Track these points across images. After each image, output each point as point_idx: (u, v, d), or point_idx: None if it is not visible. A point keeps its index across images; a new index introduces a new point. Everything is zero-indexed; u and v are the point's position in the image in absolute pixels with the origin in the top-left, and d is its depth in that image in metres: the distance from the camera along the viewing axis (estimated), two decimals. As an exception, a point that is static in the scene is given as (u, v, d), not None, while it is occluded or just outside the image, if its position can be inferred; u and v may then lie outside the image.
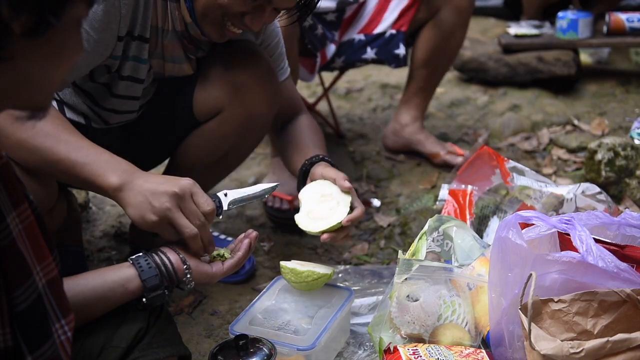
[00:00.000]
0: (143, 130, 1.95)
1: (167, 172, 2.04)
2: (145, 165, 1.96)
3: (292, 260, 1.76)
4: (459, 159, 2.56)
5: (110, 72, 1.74)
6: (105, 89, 1.78)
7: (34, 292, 1.00)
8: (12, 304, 0.97)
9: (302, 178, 1.88)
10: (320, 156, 1.88)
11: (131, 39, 1.69)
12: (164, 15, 1.71)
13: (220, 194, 1.54)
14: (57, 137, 1.46)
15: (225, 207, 1.54)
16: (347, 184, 1.74)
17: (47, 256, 1.04)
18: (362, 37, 2.66)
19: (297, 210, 2.43)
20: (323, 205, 1.74)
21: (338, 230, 1.74)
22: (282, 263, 1.74)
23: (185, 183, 1.44)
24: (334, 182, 1.77)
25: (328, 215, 1.72)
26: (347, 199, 1.73)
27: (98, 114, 1.84)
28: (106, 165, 1.45)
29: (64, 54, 0.93)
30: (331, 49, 2.64)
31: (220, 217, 1.54)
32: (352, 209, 1.75)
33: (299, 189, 1.88)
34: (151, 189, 1.41)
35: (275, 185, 1.67)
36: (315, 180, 1.82)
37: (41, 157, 1.47)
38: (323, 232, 1.72)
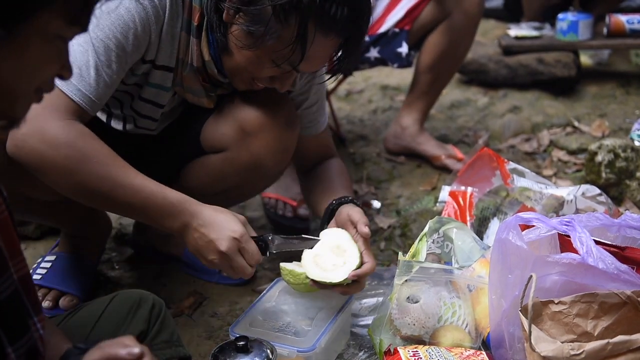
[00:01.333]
0: (154, 143, 1.95)
1: None
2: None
3: (293, 262, 1.75)
4: (459, 165, 2.56)
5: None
6: (129, 99, 1.79)
7: (12, 284, 1.00)
8: None
9: (328, 217, 1.84)
10: (350, 198, 1.85)
11: (154, 67, 1.70)
12: (185, 48, 1.70)
13: (266, 236, 1.66)
14: (113, 181, 1.54)
15: (273, 250, 1.67)
16: (365, 229, 1.71)
17: (19, 253, 1.04)
18: (366, 37, 2.66)
19: (300, 217, 2.44)
20: (332, 257, 1.70)
21: (339, 286, 1.68)
22: (282, 265, 1.73)
23: (232, 240, 1.55)
24: (355, 227, 1.74)
25: (329, 270, 1.68)
26: (355, 263, 1.67)
27: (123, 117, 1.86)
28: (163, 210, 1.57)
29: (30, 66, 0.92)
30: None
31: (267, 255, 1.67)
32: (362, 263, 1.70)
33: (322, 227, 1.86)
34: (205, 239, 1.56)
35: (318, 240, 1.71)
36: (341, 219, 1.78)
37: (99, 202, 1.64)
38: (312, 280, 1.67)
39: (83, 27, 0.95)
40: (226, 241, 1.54)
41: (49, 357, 1.15)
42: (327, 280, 1.65)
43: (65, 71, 0.98)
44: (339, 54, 1.67)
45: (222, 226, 1.56)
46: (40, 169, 1.53)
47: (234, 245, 1.55)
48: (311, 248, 1.70)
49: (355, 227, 1.74)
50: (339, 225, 1.78)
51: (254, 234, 1.61)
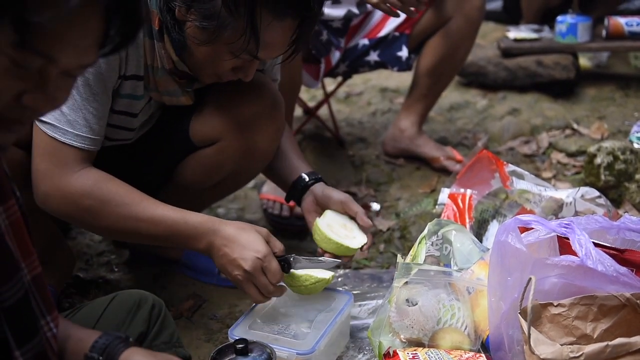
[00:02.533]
0: (140, 149, 1.94)
1: (164, 190, 2.02)
2: (144, 186, 1.96)
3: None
4: (458, 166, 2.57)
5: None
6: None
7: (22, 287, 1.00)
8: (0, 299, 0.97)
9: (300, 192, 1.94)
10: (319, 176, 1.95)
11: (124, 79, 1.70)
12: (152, 54, 1.70)
13: (290, 257, 1.69)
14: (135, 218, 1.64)
15: (296, 270, 1.70)
16: (368, 221, 1.85)
17: (31, 253, 1.04)
18: (366, 41, 2.66)
19: (297, 216, 2.44)
20: (342, 230, 1.85)
21: (345, 256, 1.85)
22: None
23: (256, 260, 1.60)
24: (355, 217, 1.87)
25: (344, 238, 1.82)
26: (364, 238, 1.85)
27: None
28: (187, 234, 1.65)
29: None
30: (336, 55, 2.64)
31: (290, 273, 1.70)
32: None
33: (289, 199, 1.97)
34: (229, 258, 1.62)
35: (339, 261, 1.80)
36: (332, 203, 1.88)
37: (128, 238, 1.85)
38: (336, 243, 1.80)
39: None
40: (250, 260, 1.60)
41: (72, 349, 1.16)
42: (346, 244, 1.80)
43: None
44: (297, 35, 1.65)
45: (245, 245, 1.62)
46: (69, 220, 1.71)
47: (258, 264, 1.61)
48: (330, 269, 1.77)
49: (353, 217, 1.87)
50: (326, 205, 1.89)
51: (280, 247, 1.66)
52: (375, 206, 2.57)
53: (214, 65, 1.67)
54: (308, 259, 1.72)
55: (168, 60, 1.71)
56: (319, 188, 1.91)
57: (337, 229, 1.83)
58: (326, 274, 1.73)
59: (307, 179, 1.93)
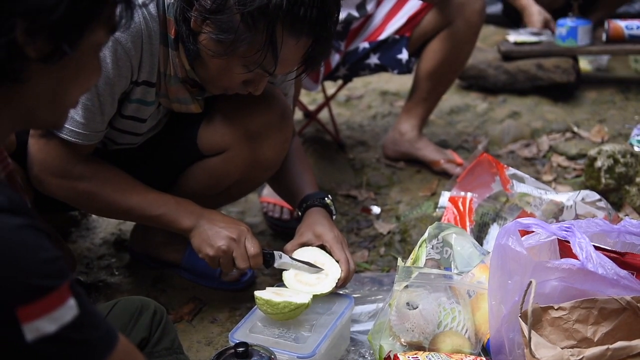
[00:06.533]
0: (145, 155, 1.95)
1: None
2: None
3: (267, 289, 1.72)
4: (458, 170, 2.57)
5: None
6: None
7: None
8: None
9: (301, 216, 1.96)
10: (317, 200, 1.95)
11: (135, 85, 1.71)
12: (166, 61, 1.71)
13: (277, 253, 1.82)
14: (129, 199, 1.79)
15: (275, 265, 1.81)
16: (343, 270, 1.81)
17: None
18: (366, 45, 2.67)
19: (298, 219, 2.43)
20: (313, 276, 1.81)
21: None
22: (257, 294, 1.68)
23: (244, 230, 1.79)
24: (330, 249, 1.85)
25: (315, 284, 1.78)
26: (337, 274, 1.80)
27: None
28: (177, 212, 1.81)
29: (79, 78, 0.96)
30: (336, 58, 2.65)
31: (268, 269, 1.86)
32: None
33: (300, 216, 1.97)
34: (216, 229, 1.79)
35: (322, 270, 1.81)
36: (313, 235, 1.87)
37: (121, 217, 2.03)
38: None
39: (115, 32, 1.00)
40: (238, 230, 1.78)
41: None
42: (318, 293, 1.75)
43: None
44: (309, 53, 1.66)
45: (231, 221, 1.81)
46: (65, 201, 1.81)
47: (244, 233, 1.78)
48: (313, 273, 1.80)
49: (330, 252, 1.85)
50: (307, 237, 1.87)
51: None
52: (376, 209, 2.57)
53: (225, 78, 1.68)
54: (292, 259, 1.80)
55: (181, 69, 1.72)
56: (317, 228, 1.89)
57: (305, 277, 1.79)
58: (305, 299, 1.68)
59: (303, 205, 1.95)
